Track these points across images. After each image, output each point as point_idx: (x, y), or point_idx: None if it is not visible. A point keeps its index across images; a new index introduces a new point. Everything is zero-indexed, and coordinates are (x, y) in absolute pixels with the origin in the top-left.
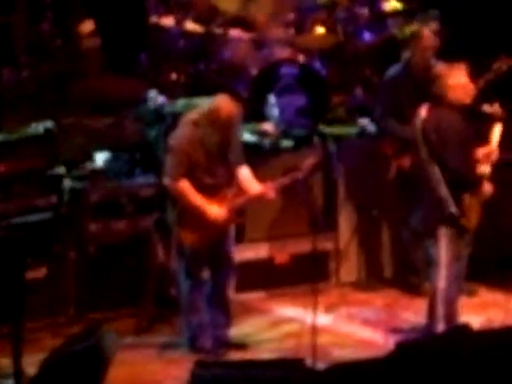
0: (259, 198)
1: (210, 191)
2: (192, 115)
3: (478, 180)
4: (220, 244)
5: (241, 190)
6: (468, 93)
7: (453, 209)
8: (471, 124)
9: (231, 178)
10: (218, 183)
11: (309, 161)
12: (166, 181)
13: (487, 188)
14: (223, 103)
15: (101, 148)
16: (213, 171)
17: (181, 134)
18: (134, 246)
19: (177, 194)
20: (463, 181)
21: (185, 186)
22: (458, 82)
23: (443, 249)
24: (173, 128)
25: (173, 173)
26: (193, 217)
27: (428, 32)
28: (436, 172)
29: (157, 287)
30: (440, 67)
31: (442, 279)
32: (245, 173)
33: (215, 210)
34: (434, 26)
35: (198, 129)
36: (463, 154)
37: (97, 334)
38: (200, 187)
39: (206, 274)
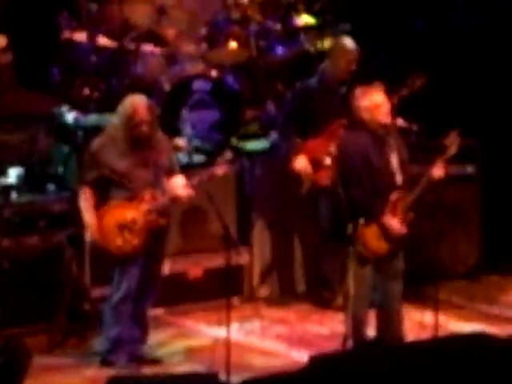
0: (179, 198)
1: (129, 194)
2: (110, 121)
3: (375, 211)
4: (153, 256)
5: (162, 192)
6: (384, 112)
7: (348, 231)
8: (384, 149)
9: (156, 182)
10: (137, 186)
11: (225, 156)
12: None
13: (393, 221)
14: (130, 99)
15: (13, 163)
16: (133, 175)
17: (93, 142)
18: (46, 261)
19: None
20: (358, 209)
21: (85, 196)
22: (372, 102)
23: (349, 269)
24: (84, 143)
25: (80, 179)
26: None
27: (351, 45)
28: (341, 193)
29: (70, 302)
30: (356, 90)
31: (350, 297)
32: (175, 179)
33: (93, 234)
34: (349, 39)
35: (111, 130)
36: (362, 184)
37: (8, 351)
38: (121, 191)
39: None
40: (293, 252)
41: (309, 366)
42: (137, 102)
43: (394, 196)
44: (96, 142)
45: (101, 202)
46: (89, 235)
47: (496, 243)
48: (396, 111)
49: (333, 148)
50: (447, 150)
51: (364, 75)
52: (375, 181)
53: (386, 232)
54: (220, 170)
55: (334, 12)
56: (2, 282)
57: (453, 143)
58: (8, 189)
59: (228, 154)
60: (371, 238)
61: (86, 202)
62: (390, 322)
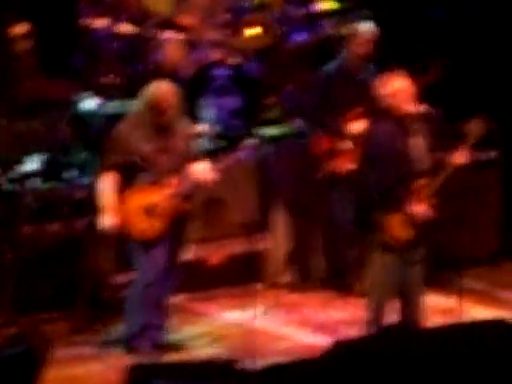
0: (204, 183)
1: (153, 179)
2: (133, 107)
3: (400, 198)
4: (175, 241)
5: (186, 177)
6: (407, 98)
7: (378, 215)
8: (407, 136)
9: (179, 166)
10: (161, 171)
11: (250, 142)
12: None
13: (418, 209)
14: (157, 86)
15: (35, 150)
16: (156, 159)
17: (118, 126)
18: (68, 249)
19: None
20: (383, 197)
21: (107, 180)
22: (394, 88)
23: (373, 256)
24: (106, 129)
25: (103, 164)
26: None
27: (365, 27)
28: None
29: (92, 289)
30: (378, 79)
31: (373, 285)
32: (199, 164)
33: (107, 220)
34: (369, 24)
35: (135, 116)
36: (386, 172)
37: (29, 338)
38: (144, 175)
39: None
40: (314, 238)
41: (332, 352)
42: (164, 89)
43: (418, 183)
44: (120, 128)
45: (124, 186)
46: (104, 219)
47: None
48: (419, 97)
49: (347, 132)
50: (470, 137)
51: (385, 62)
52: (399, 168)
53: (411, 219)
54: (243, 155)
55: None
56: (24, 269)
57: (476, 130)
58: (30, 176)
59: (251, 140)
60: (396, 225)
61: (107, 186)
62: (411, 308)
